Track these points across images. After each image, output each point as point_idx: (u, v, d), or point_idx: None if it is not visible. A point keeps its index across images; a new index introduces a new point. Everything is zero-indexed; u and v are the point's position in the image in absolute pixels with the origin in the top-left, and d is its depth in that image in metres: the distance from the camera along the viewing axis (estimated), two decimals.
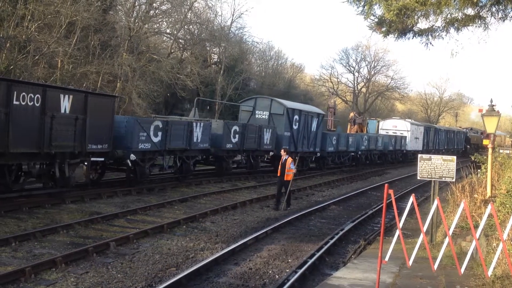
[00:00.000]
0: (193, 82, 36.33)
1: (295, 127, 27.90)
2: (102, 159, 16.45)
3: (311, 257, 10.80)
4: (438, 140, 56.43)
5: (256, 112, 27.61)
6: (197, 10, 40.44)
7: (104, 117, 15.73)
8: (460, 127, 76.20)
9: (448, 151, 56.39)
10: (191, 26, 40.92)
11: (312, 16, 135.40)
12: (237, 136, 22.85)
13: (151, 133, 17.87)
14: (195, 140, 20.08)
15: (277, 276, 9.62)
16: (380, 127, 48.43)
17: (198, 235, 12.34)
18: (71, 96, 14.22)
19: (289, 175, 16.72)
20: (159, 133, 18.27)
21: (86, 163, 15.66)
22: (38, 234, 10.88)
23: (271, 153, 26.13)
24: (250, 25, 78.35)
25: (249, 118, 27.30)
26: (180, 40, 41.38)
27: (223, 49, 44.86)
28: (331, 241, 12.43)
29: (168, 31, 39.53)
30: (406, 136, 46.04)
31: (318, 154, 30.92)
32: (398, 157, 45.61)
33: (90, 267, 9.27)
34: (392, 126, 47.76)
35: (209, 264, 9.75)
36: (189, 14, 39.24)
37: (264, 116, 27.35)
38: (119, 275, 8.96)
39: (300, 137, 28.45)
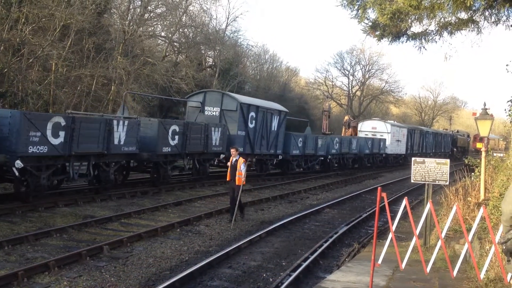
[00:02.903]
0: (188, 85, 36.31)
1: (251, 125, 24.66)
2: None
3: (305, 260, 10.81)
4: (425, 143, 53.78)
5: (206, 108, 24.23)
6: (192, 14, 40.48)
7: None
8: (446, 129, 75.52)
9: (436, 155, 54.35)
10: (186, 30, 40.93)
11: (307, 19, 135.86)
12: (176, 137, 19.36)
13: (49, 132, 13.92)
14: (116, 142, 16.42)
15: (271, 280, 9.62)
16: (358, 129, 44.95)
17: (192, 239, 12.33)
18: None
19: (240, 179, 14.48)
20: (61, 133, 14.32)
21: None
22: (31, 238, 10.83)
23: (221, 156, 22.59)
24: (245, 28, 78.82)
25: (197, 115, 23.79)
26: (175, 43, 41.39)
27: (218, 52, 44.88)
28: (325, 244, 12.44)
29: (163, 34, 39.54)
30: (385, 139, 42.68)
31: (280, 157, 27.54)
32: (377, 161, 41.92)
33: (83, 270, 9.24)
34: (371, 128, 44.26)
35: (203, 268, 9.74)
36: (184, 18, 39.25)
37: (214, 113, 24.03)
38: (112, 279, 8.93)
39: (257, 137, 25.19)
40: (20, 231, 11.62)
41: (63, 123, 14.41)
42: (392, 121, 50.39)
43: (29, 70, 24.38)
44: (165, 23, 38.13)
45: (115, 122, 16.45)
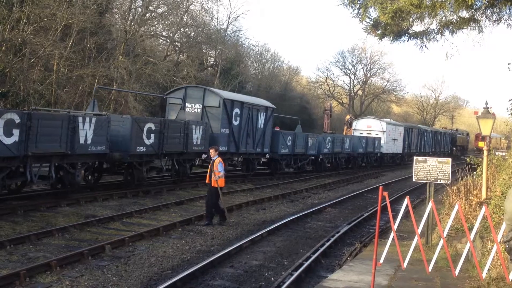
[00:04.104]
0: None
1: (235, 122, 23.38)
2: None
3: (307, 259, 10.80)
4: (424, 142, 52.62)
5: (187, 105, 22.84)
6: (193, 13, 40.52)
7: None
8: (445, 128, 74.93)
9: (435, 154, 53.57)
10: (187, 29, 40.96)
11: (308, 18, 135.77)
12: (152, 136, 17.90)
13: (0, 131, 12.55)
14: (82, 141, 14.90)
15: (272, 279, 9.61)
16: (353, 128, 44.01)
17: (194, 238, 12.33)
18: None
19: (216, 180, 13.70)
20: (16, 131, 12.83)
21: None
22: (33, 237, 10.85)
23: (203, 156, 21.14)
24: (246, 27, 78.71)
25: (178, 112, 22.56)
26: (176, 43, 41.41)
27: (219, 51, 44.88)
28: (327, 244, 12.43)
29: (164, 34, 39.57)
30: (380, 137, 41.33)
31: (268, 156, 26.30)
32: (372, 161, 40.63)
33: (85, 270, 9.25)
34: (366, 126, 43.02)
35: (205, 267, 9.74)
36: (185, 17, 39.28)
37: (196, 110, 22.68)
38: (114, 278, 8.94)
39: (242, 135, 23.90)
40: (22, 230, 11.64)
41: (17, 120, 12.88)
42: (388, 119, 48.95)
43: (31, 70, 24.42)
44: (166, 22, 38.14)
45: (80, 119, 14.87)
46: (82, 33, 27.48)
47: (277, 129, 30.31)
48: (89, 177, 17.82)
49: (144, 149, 17.65)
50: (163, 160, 19.19)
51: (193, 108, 22.76)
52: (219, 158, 13.94)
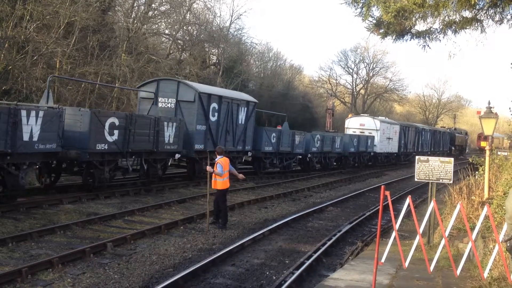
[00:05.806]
0: None
1: (213, 118, 21.66)
2: None
3: (308, 258, 10.81)
4: (422, 142, 50.91)
5: (159, 99, 20.98)
6: (196, 11, 40.49)
7: None
8: (444, 127, 74.09)
9: (434, 154, 51.70)
10: (190, 27, 40.93)
11: (311, 17, 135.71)
12: (116, 132, 16.14)
13: None
14: (26, 138, 12.84)
15: (274, 277, 9.62)
16: (345, 126, 42.36)
17: (196, 236, 12.35)
18: None
19: (216, 182, 13.27)
20: None
21: None
22: (35, 235, 10.87)
23: (176, 156, 19.78)
24: (249, 26, 78.69)
25: (150, 108, 20.43)
26: (179, 41, 41.38)
27: (222, 50, 44.87)
28: (329, 243, 12.43)
29: (167, 32, 39.55)
30: (374, 136, 39.61)
31: (250, 154, 24.82)
32: (364, 160, 38.78)
33: (87, 267, 9.27)
34: (359, 125, 41.24)
35: (206, 265, 9.75)
36: (188, 15, 39.27)
37: (169, 105, 20.84)
38: (116, 276, 8.95)
39: (221, 131, 22.22)
40: (24, 228, 11.66)
41: None
42: (383, 117, 47.40)
43: (34, 68, 24.43)
44: (169, 20, 38.12)
45: (23, 112, 12.72)
46: (84, 31, 27.50)
47: (279, 128, 30.25)
48: (45, 178, 16.17)
49: (106, 147, 15.91)
50: (130, 159, 17.51)
51: (166, 102, 20.95)
52: (220, 159, 13.45)
